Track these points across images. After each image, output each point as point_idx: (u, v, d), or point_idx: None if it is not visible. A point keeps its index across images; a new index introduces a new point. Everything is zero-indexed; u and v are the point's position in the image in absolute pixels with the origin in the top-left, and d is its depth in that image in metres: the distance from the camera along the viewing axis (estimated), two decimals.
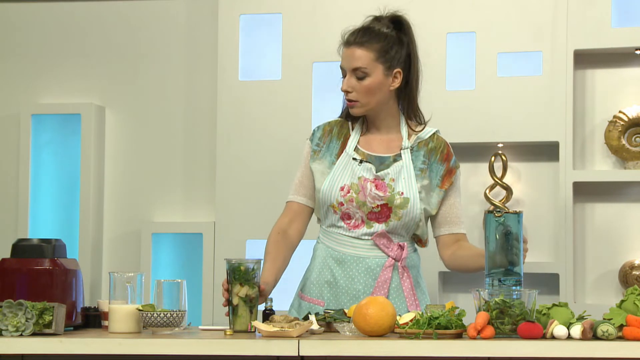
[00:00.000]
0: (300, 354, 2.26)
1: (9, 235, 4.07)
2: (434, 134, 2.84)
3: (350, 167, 2.76)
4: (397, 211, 2.73)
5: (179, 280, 2.52)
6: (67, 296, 2.53)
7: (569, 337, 2.27)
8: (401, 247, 2.78)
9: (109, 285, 2.52)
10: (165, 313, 2.41)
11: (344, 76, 2.77)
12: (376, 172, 2.75)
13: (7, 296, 2.44)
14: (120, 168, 4.14)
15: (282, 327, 2.33)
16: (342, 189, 2.74)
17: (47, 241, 2.58)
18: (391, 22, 2.80)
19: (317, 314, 2.53)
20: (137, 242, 4.07)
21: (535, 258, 3.77)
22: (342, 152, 2.81)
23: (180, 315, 2.43)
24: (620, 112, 3.71)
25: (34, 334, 2.37)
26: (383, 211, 2.73)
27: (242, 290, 2.51)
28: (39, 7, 4.19)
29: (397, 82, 2.77)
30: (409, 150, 2.79)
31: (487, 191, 3.79)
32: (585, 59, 3.76)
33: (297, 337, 2.31)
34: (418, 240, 2.85)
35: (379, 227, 2.74)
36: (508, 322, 2.30)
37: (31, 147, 4.09)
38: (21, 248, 2.57)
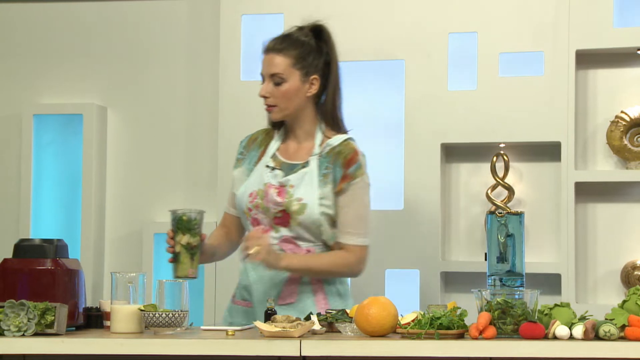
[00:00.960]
0: (302, 354, 2.26)
1: (11, 235, 4.07)
2: (345, 140, 2.84)
3: (260, 175, 2.84)
4: (295, 217, 2.78)
5: (181, 281, 2.52)
6: (69, 296, 2.53)
7: (571, 338, 2.27)
8: (309, 252, 2.82)
9: (110, 285, 2.52)
10: (167, 313, 2.41)
11: (263, 82, 2.84)
12: (283, 179, 2.81)
13: (9, 296, 2.44)
14: (122, 168, 4.15)
15: (284, 327, 2.33)
16: (250, 195, 2.83)
17: (49, 241, 2.58)
18: (311, 31, 2.88)
19: (318, 314, 2.53)
20: (138, 242, 4.07)
21: (537, 258, 3.76)
22: (260, 159, 2.89)
23: (182, 315, 2.43)
24: (622, 112, 3.71)
25: (36, 334, 2.37)
26: (284, 217, 2.79)
27: (184, 238, 2.66)
28: (41, 7, 4.20)
29: (313, 89, 2.83)
30: (317, 156, 2.82)
31: (489, 191, 3.79)
32: (587, 59, 3.76)
33: (299, 337, 2.31)
34: (330, 245, 2.85)
35: (284, 230, 2.80)
36: (510, 322, 2.30)
37: (33, 147, 4.09)
38: (23, 248, 2.57)
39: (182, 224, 2.66)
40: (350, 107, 3.91)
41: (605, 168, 3.76)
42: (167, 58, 4.12)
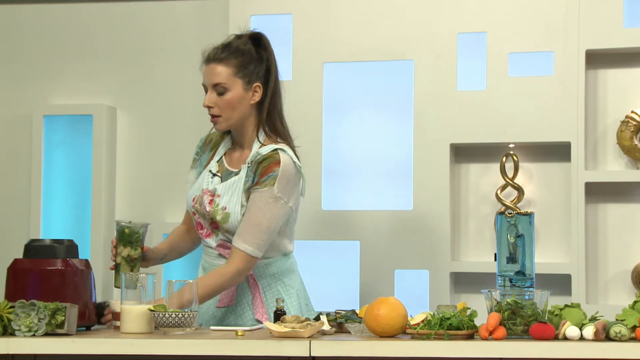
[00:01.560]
0: (312, 355, 2.26)
1: (21, 235, 4.08)
2: (274, 150, 2.78)
3: (203, 180, 2.86)
4: (222, 225, 2.79)
5: (190, 281, 2.53)
6: (79, 296, 2.54)
7: (582, 338, 2.26)
8: None
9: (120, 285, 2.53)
10: (177, 313, 2.42)
11: (207, 92, 2.82)
12: (213, 187, 2.82)
13: (19, 296, 2.45)
14: (132, 168, 4.15)
15: (293, 328, 2.33)
16: (193, 199, 2.86)
17: (59, 242, 2.59)
18: (250, 39, 2.86)
19: (328, 314, 2.53)
20: (148, 242, 4.06)
21: (547, 259, 3.76)
22: (209, 163, 2.90)
23: (191, 315, 2.44)
24: (632, 112, 3.70)
25: (46, 334, 2.38)
26: (213, 223, 2.82)
27: (125, 251, 2.73)
28: (51, 8, 4.21)
29: (257, 96, 2.83)
30: (246, 165, 2.81)
31: (499, 192, 3.78)
32: (597, 59, 3.75)
33: (308, 337, 2.31)
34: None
35: (221, 235, 2.82)
36: (520, 322, 2.30)
37: (43, 148, 4.10)
38: (33, 248, 2.58)
39: (124, 237, 2.73)
40: (359, 108, 3.93)
41: (615, 168, 3.75)
42: (177, 59, 4.13)
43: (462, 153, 3.87)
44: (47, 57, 4.20)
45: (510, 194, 3.79)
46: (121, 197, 4.15)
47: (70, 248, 2.60)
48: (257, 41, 2.86)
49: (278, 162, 2.75)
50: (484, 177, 3.84)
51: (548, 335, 2.25)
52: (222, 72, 2.79)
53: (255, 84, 2.82)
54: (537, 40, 3.73)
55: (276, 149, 2.77)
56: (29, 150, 4.16)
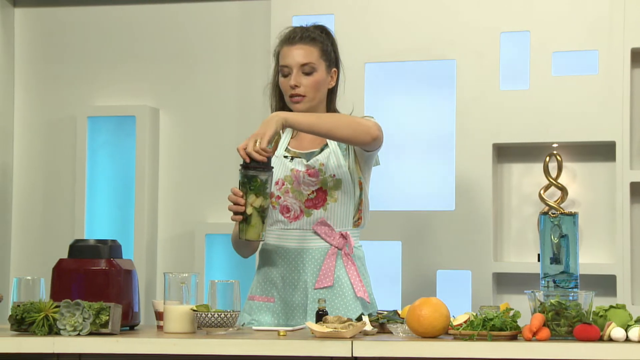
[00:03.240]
0: (354, 355, 2.26)
1: (66, 236, 4.13)
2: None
3: (282, 164, 2.85)
4: (332, 193, 2.80)
5: (233, 281, 2.54)
6: (123, 296, 2.56)
7: (627, 340, 2.24)
8: (344, 236, 2.82)
9: (163, 285, 2.54)
10: (219, 313, 2.43)
11: (286, 75, 2.85)
12: (309, 162, 2.83)
13: (64, 296, 2.48)
14: (175, 169, 4.18)
15: (335, 328, 2.33)
16: (277, 183, 2.83)
17: (103, 242, 2.61)
18: (317, 29, 2.93)
19: (370, 315, 2.53)
20: (190, 243, 4.11)
21: (592, 259, 3.72)
22: (273, 154, 2.86)
23: (234, 315, 2.45)
24: None
25: (90, 334, 2.40)
26: (319, 196, 2.80)
27: (257, 201, 2.60)
28: (95, 11, 4.25)
29: (333, 82, 2.92)
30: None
31: (542, 192, 3.75)
32: None
33: (350, 338, 2.31)
34: (357, 217, 2.85)
35: (318, 213, 2.80)
36: (564, 324, 2.28)
37: (87, 149, 4.15)
38: (78, 249, 2.60)
39: (256, 186, 2.60)
40: (401, 108, 3.92)
41: None
42: (219, 59, 4.15)
43: (505, 153, 3.84)
44: (90, 60, 4.24)
45: (553, 194, 3.76)
46: (164, 197, 4.18)
47: (114, 248, 2.62)
48: (326, 33, 2.93)
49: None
50: (527, 177, 3.82)
51: (593, 337, 2.23)
52: (312, 52, 2.85)
53: (333, 69, 2.91)
54: (581, 38, 3.69)
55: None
56: (73, 151, 4.20)
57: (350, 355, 2.26)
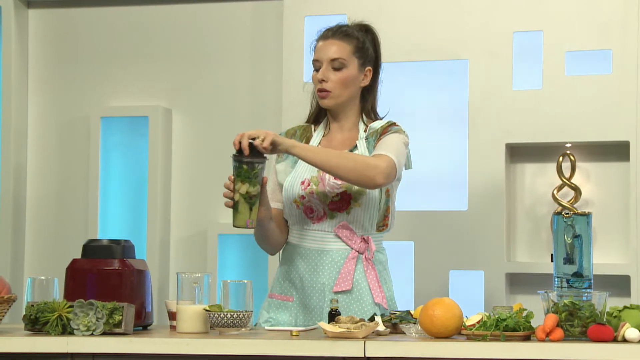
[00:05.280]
0: (366, 355, 2.26)
1: (79, 236, 4.14)
2: (388, 121, 2.87)
3: None
4: (357, 197, 2.77)
5: (245, 281, 2.54)
6: (136, 296, 2.56)
7: None
8: (365, 240, 2.81)
9: (176, 285, 2.55)
10: (232, 313, 2.43)
11: (317, 69, 2.85)
12: None
13: (78, 296, 2.49)
14: (187, 169, 4.19)
15: (348, 328, 2.33)
16: (302, 182, 2.81)
17: (116, 242, 2.62)
18: (359, 27, 2.92)
19: (382, 315, 2.52)
20: (203, 243, 4.11)
21: (605, 259, 3.70)
22: None
23: (246, 315, 2.45)
24: None
25: (104, 334, 2.41)
26: (343, 199, 2.77)
27: (243, 187, 2.60)
28: (107, 12, 4.27)
29: (367, 80, 2.88)
30: (363, 139, 2.84)
31: (555, 192, 3.74)
32: None
33: (363, 338, 2.31)
34: (382, 223, 2.84)
35: (341, 216, 2.78)
36: (578, 324, 2.27)
37: (100, 149, 4.16)
38: (91, 249, 2.61)
39: (242, 173, 2.61)
40: (414, 107, 3.91)
41: None
42: (231, 60, 4.15)
43: (518, 153, 3.83)
44: (103, 61, 4.26)
45: (567, 194, 3.75)
46: (177, 197, 4.19)
47: (127, 248, 2.63)
48: (367, 31, 2.92)
49: (395, 124, 2.84)
50: (540, 177, 3.80)
51: (607, 337, 2.22)
52: (344, 48, 2.83)
53: (367, 68, 2.87)
54: (594, 38, 3.68)
55: (389, 121, 2.86)
56: (86, 151, 4.22)
57: (362, 356, 2.26)
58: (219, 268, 4.01)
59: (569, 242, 2.48)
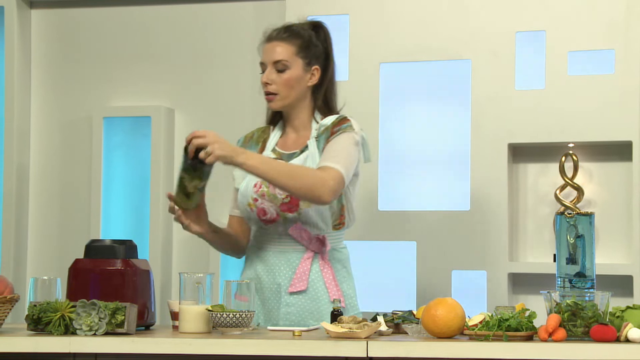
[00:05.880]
0: (369, 355, 2.26)
1: (82, 236, 4.14)
2: (339, 116, 2.85)
3: None
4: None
5: (248, 281, 2.54)
6: (138, 296, 2.57)
7: None
8: (320, 240, 2.81)
9: (179, 285, 2.55)
10: (235, 314, 2.43)
11: (263, 72, 2.87)
12: (292, 162, 2.82)
13: (80, 296, 2.49)
14: None
15: (350, 328, 2.33)
16: (255, 185, 2.83)
17: (119, 242, 2.62)
18: (309, 25, 2.92)
19: (385, 315, 2.52)
20: (206, 243, 4.09)
21: (608, 259, 3.70)
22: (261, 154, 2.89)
23: (249, 315, 2.45)
24: None
25: (106, 334, 2.41)
26: (293, 201, 2.78)
27: (194, 181, 2.67)
28: (110, 12, 4.27)
29: (314, 79, 2.87)
30: (314, 139, 2.84)
31: (558, 192, 3.74)
32: None
33: (365, 338, 2.31)
34: (338, 221, 2.84)
35: (293, 217, 2.79)
36: (580, 324, 2.27)
37: (103, 149, 4.16)
38: (94, 249, 2.62)
39: (188, 169, 2.65)
40: (416, 108, 3.91)
41: None
42: (234, 60, 4.15)
43: (520, 153, 3.83)
44: (106, 60, 4.26)
45: (569, 194, 3.75)
46: None
47: (129, 248, 2.63)
48: (317, 28, 2.92)
49: (347, 119, 2.83)
50: (543, 177, 3.80)
51: (609, 338, 2.22)
52: (285, 50, 2.84)
53: (314, 67, 2.87)
54: (597, 38, 3.67)
55: (340, 115, 2.85)
56: (89, 151, 4.22)
57: (365, 356, 2.26)
58: (221, 268, 4.01)
59: (571, 242, 2.48)
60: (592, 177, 3.77)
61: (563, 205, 3.70)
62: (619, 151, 3.72)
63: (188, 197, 2.71)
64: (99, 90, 4.26)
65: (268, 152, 2.89)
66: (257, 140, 2.95)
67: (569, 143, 3.73)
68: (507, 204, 3.72)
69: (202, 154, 2.61)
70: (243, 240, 2.94)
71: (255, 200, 2.83)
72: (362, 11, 3.89)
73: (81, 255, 2.64)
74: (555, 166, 3.77)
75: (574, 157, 3.72)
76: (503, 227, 3.72)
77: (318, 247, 2.82)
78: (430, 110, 3.89)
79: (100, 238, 3.88)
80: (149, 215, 4.11)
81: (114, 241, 2.62)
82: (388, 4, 3.87)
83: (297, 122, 2.89)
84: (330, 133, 2.81)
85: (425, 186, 3.87)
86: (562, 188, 3.74)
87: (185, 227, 2.77)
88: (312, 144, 2.84)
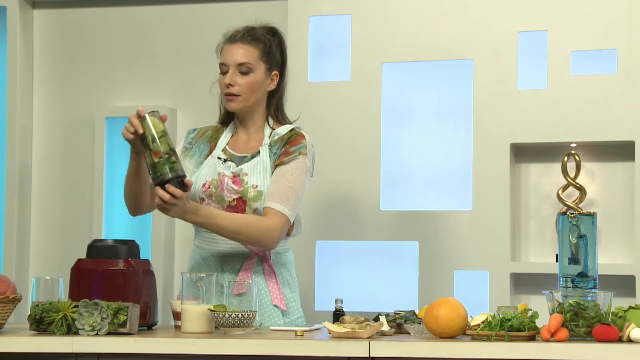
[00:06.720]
0: (371, 355, 2.26)
1: (84, 236, 4.15)
2: (292, 129, 2.87)
3: (213, 165, 2.86)
4: (251, 204, 2.79)
5: (249, 281, 2.54)
6: (140, 296, 2.57)
7: None
8: None
9: (181, 285, 2.55)
10: (237, 314, 2.43)
11: (224, 73, 2.87)
12: (236, 168, 2.83)
13: (83, 296, 2.49)
14: None
15: (352, 328, 2.33)
16: (204, 185, 2.84)
17: (121, 242, 2.62)
18: (266, 30, 2.94)
19: (387, 315, 2.52)
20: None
21: (610, 259, 3.70)
22: (210, 153, 2.91)
23: (251, 315, 2.45)
24: None
25: (109, 333, 2.41)
26: (239, 205, 2.80)
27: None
28: (112, 12, 4.27)
29: (273, 84, 2.90)
30: (267, 146, 2.85)
31: (560, 192, 3.74)
32: None
33: (367, 338, 2.31)
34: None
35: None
36: (583, 324, 2.27)
37: (105, 149, 4.16)
38: (96, 249, 2.62)
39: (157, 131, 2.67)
40: (418, 108, 3.91)
41: None
42: None
43: (523, 153, 3.83)
44: (108, 61, 4.26)
45: (572, 194, 3.74)
46: None
47: (132, 248, 2.63)
48: (274, 35, 2.94)
49: (303, 136, 2.85)
50: (545, 177, 3.80)
51: (612, 338, 2.22)
52: (249, 53, 2.86)
53: (274, 72, 2.90)
54: (599, 37, 3.67)
55: (294, 128, 2.87)
56: (91, 152, 4.22)
57: (367, 356, 2.26)
58: None
59: (574, 242, 2.48)
60: (594, 177, 3.77)
61: (565, 205, 3.70)
62: (621, 151, 3.72)
63: (156, 158, 2.63)
64: (101, 90, 4.26)
65: (218, 152, 2.89)
66: (209, 138, 2.95)
67: (572, 143, 3.73)
68: (510, 204, 3.72)
69: (157, 202, 2.60)
70: (148, 205, 2.88)
71: (203, 200, 2.84)
72: (365, 11, 3.89)
73: (83, 255, 2.64)
74: (557, 166, 3.76)
75: (577, 157, 3.72)
76: (505, 227, 3.71)
77: (261, 250, 2.83)
78: (433, 111, 3.89)
79: (103, 238, 3.88)
80: (151, 215, 4.11)
81: (116, 241, 2.62)
82: (390, 3, 3.87)
83: (251, 125, 2.91)
84: (284, 152, 2.82)
85: (428, 186, 3.87)
86: (565, 188, 3.74)
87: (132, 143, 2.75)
88: (264, 150, 2.85)
